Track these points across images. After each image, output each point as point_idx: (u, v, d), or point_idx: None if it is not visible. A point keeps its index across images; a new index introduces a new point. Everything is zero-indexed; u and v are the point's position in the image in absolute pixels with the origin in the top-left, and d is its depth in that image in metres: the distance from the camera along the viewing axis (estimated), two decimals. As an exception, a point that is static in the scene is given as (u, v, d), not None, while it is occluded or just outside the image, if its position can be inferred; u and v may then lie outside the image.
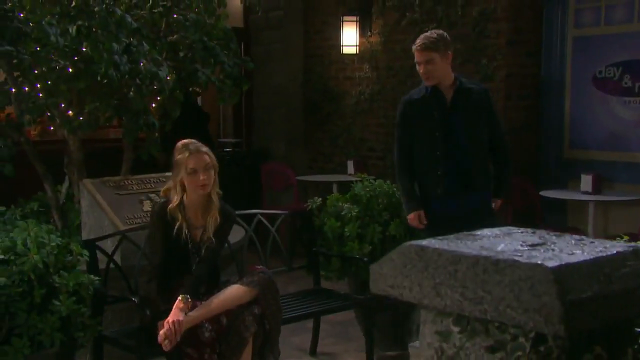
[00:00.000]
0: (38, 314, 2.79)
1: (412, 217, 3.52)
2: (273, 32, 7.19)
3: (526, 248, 0.97)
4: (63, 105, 4.36)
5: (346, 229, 3.94)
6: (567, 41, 5.35)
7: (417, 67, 3.44)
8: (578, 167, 5.24)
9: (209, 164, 3.07)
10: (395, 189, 4.05)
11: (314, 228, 4.02)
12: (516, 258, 0.91)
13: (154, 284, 3.03)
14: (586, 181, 4.90)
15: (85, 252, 3.04)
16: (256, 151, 7.30)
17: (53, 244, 2.83)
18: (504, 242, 1.01)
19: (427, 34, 3.46)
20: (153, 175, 4.28)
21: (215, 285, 3.15)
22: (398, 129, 3.58)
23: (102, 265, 3.32)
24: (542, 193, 5.12)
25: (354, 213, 3.98)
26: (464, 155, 3.43)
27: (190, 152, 3.06)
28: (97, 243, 3.32)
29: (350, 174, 6.27)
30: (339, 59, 6.74)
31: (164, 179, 4.25)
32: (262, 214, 3.94)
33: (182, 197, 3.07)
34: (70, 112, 4.23)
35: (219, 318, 2.97)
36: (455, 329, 0.99)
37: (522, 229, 1.13)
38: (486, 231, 1.09)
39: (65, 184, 4.76)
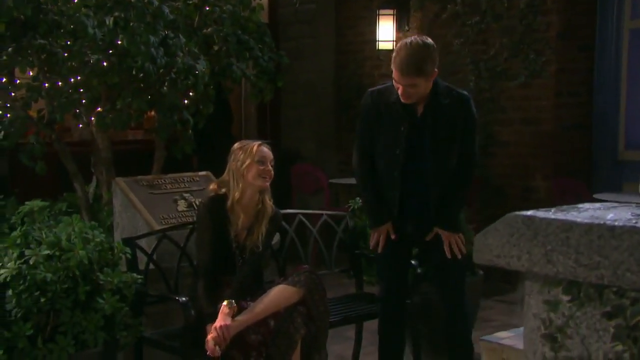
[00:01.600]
0: (82, 311, 2.94)
1: (381, 230, 3.32)
2: (303, 27, 7.33)
3: (636, 217, 1.07)
4: (92, 102, 4.50)
5: (390, 231, 4.02)
6: (623, 34, 5.43)
7: (394, 82, 3.15)
8: (634, 169, 5.29)
9: (272, 160, 3.25)
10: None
11: (355, 230, 4.12)
12: (632, 224, 1.01)
13: (201, 283, 3.14)
14: (643, 184, 4.96)
15: (128, 249, 3.17)
16: (284, 152, 7.43)
17: (97, 239, 2.97)
18: (612, 212, 1.11)
19: (412, 49, 3.07)
20: (187, 174, 4.42)
21: (259, 286, 3.26)
22: (361, 123, 3.33)
23: (139, 266, 3.44)
24: (595, 196, 5.19)
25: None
26: (424, 182, 3.25)
27: (259, 143, 3.25)
28: (136, 242, 3.44)
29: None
30: (373, 55, 6.86)
31: (197, 179, 4.40)
32: (303, 214, 4.05)
33: (240, 193, 3.17)
34: (99, 108, 4.38)
35: (266, 320, 3.09)
36: (565, 298, 1.09)
37: (623, 203, 1.23)
38: (587, 205, 1.19)
39: (93, 185, 4.92)
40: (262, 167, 3.21)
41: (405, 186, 3.26)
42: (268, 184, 3.24)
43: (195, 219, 3.46)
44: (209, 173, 4.42)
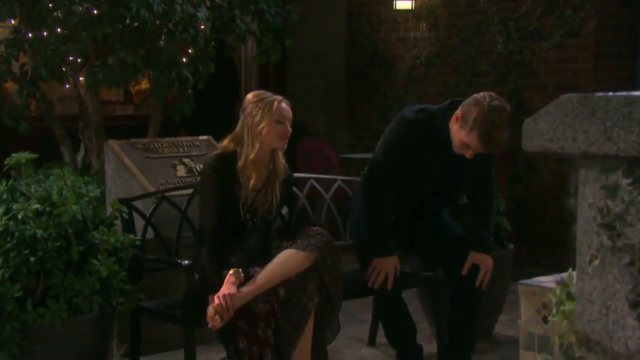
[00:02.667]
0: (75, 274, 2.98)
1: (389, 263, 3.38)
2: (311, -13, 7.35)
3: None
4: (80, 60, 4.54)
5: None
6: (670, -14, 5.43)
7: (461, 141, 3.20)
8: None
9: (291, 119, 3.26)
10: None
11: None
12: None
13: (205, 250, 3.15)
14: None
15: (124, 208, 3.20)
16: (291, 127, 7.44)
17: (92, 194, 3.00)
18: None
19: (507, 124, 3.15)
20: (186, 138, 4.48)
21: (267, 254, 3.28)
22: (394, 149, 3.35)
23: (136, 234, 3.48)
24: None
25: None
26: (430, 217, 3.54)
27: (279, 99, 3.23)
28: (132, 203, 3.48)
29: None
30: (390, 18, 6.89)
31: (198, 143, 4.44)
32: (315, 179, 4.08)
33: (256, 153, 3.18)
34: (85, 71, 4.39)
35: (275, 289, 3.10)
36: (625, 182, 1.12)
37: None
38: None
39: (81, 153, 4.96)
40: (281, 127, 3.21)
41: (404, 218, 3.49)
42: (286, 145, 3.26)
43: (198, 180, 3.46)
44: (211, 138, 4.46)
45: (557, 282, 1.25)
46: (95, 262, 3.02)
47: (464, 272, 3.43)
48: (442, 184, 3.44)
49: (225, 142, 3.26)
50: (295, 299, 3.09)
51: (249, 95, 3.30)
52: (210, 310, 2.98)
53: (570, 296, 1.22)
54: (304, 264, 3.12)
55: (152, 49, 4.32)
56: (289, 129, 3.24)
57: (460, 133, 3.19)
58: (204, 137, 4.49)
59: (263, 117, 3.18)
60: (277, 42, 5.05)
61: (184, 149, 4.36)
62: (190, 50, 4.70)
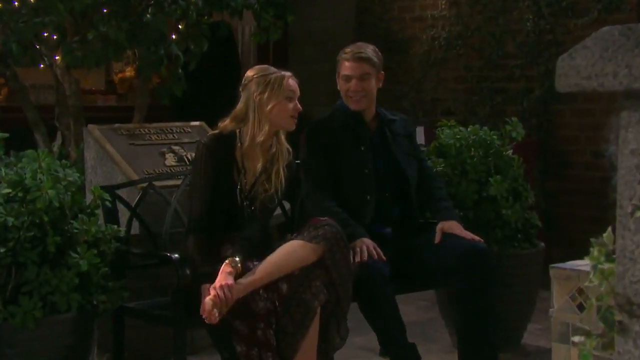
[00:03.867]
0: (51, 268, 2.98)
1: (368, 243, 3.51)
2: (316, -39, 7.37)
3: None
4: (56, 36, 4.55)
5: (430, 189, 4.08)
6: None
7: (344, 83, 3.67)
8: None
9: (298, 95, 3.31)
10: (494, 136, 4.17)
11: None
12: None
13: (192, 238, 3.18)
14: None
15: (107, 195, 3.21)
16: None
17: (71, 179, 3.01)
18: None
19: (359, 44, 3.77)
20: (176, 123, 4.49)
21: (268, 246, 3.28)
22: (314, 162, 3.67)
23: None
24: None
25: (440, 168, 4.12)
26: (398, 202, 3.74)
27: (289, 75, 3.28)
28: (116, 192, 3.49)
29: (420, 144, 6.39)
30: (404, -6, 6.91)
31: (189, 129, 4.45)
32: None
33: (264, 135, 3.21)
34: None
35: (277, 284, 3.10)
36: (673, 123, 1.11)
37: None
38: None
39: (57, 142, 4.97)
40: (292, 105, 3.25)
41: (378, 211, 3.67)
42: (295, 124, 3.30)
43: (191, 163, 3.47)
44: (204, 124, 4.47)
45: (594, 242, 1.25)
46: (73, 255, 3.01)
47: (436, 241, 3.59)
48: (384, 174, 3.71)
49: (229, 120, 3.27)
50: (299, 296, 3.09)
51: (251, 71, 3.32)
52: (208, 302, 2.96)
53: (609, 257, 1.22)
54: (310, 256, 3.11)
55: (137, 23, 4.34)
56: (299, 106, 3.28)
57: (340, 82, 3.69)
58: (196, 123, 4.50)
59: (272, 96, 3.21)
60: (278, 18, 5.06)
61: (173, 136, 4.37)
62: (180, 26, 4.72)
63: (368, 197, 3.66)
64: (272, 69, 3.32)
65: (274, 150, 3.29)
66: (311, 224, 3.20)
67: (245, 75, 3.32)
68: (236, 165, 3.26)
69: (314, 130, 3.73)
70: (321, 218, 3.23)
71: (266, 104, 3.20)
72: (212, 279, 3.03)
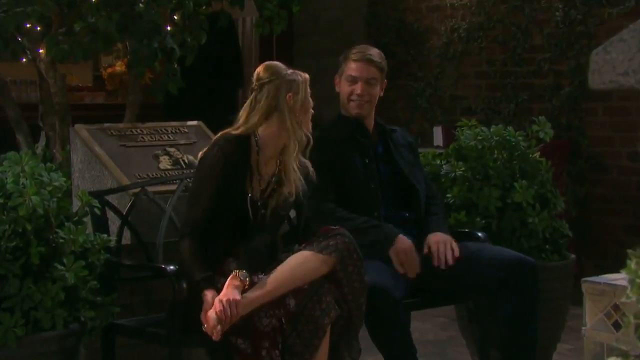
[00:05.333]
0: (35, 281, 2.98)
1: (408, 243, 3.59)
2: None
3: None
4: (40, 27, 4.57)
5: (449, 195, 4.10)
6: None
7: (347, 84, 3.76)
8: None
9: None
10: (519, 137, 4.17)
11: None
12: None
13: (186, 243, 3.17)
14: None
15: (96, 201, 3.22)
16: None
17: (56, 183, 3.01)
18: None
19: (366, 46, 3.88)
20: (172, 123, 4.49)
21: (274, 258, 3.29)
22: (317, 174, 3.67)
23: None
24: None
25: (459, 172, 4.11)
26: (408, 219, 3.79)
27: (307, 78, 3.33)
28: (105, 198, 3.50)
29: (437, 146, 6.41)
30: (421, -19, 6.93)
31: (186, 129, 4.46)
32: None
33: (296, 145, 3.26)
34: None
35: (283, 299, 3.10)
36: None
37: None
38: None
39: (41, 143, 4.99)
40: (310, 114, 3.35)
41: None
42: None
43: (197, 164, 3.44)
44: (201, 123, 4.48)
45: (632, 254, 1.25)
46: (59, 267, 3.01)
47: (425, 251, 3.62)
48: (390, 187, 3.77)
49: (256, 119, 3.25)
50: (307, 312, 3.09)
51: (272, 68, 3.29)
52: (212, 317, 2.97)
53: (649, 271, 1.21)
54: (321, 269, 3.13)
55: (129, 13, 4.35)
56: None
57: (343, 84, 3.79)
58: (193, 123, 4.50)
59: (306, 100, 3.28)
60: (283, 8, 5.08)
61: (168, 137, 4.37)
62: (176, 17, 4.73)
63: (375, 213, 3.70)
64: (299, 72, 3.33)
65: (286, 152, 3.30)
66: (321, 234, 3.21)
67: (264, 72, 3.28)
68: (250, 171, 3.27)
69: (317, 143, 3.71)
70: (332, 227, 3.24)
71: (299, 107, 3.25)
72: (209, 284, 3.06)
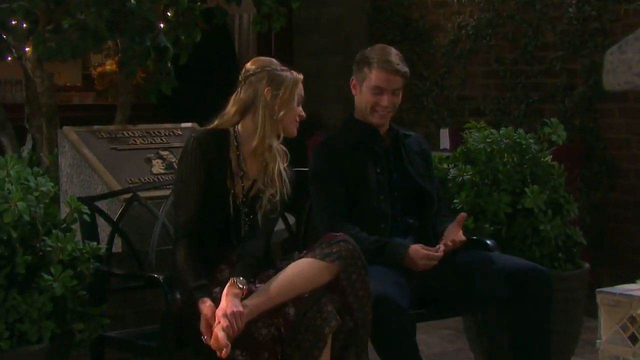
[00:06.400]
0: (20, 292, 2.98)
1: (423, 252, 3.61)
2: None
3: None
4: (26, 24, 4.57)
5: (456, 200, 4.10)
6: None
7: (371, 95, 3.71)
8: None
9: None
10: (531, 140, 4.17)
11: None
12: None
13: (181, 249, 3.17)
14: None
15: (85, 207, 3.23)
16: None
17: (44, 189, 3.01)
18: None
19: (387, 50, 3.80)
20: (165, 125, 4.51)
21: (268, 264, 3.31)
22: (325, 181, 3.75)
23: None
24: None
25: (467, 176, 4.11)
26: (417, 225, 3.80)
27: (301, 79, 3.34)
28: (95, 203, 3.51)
29: (444, 149, 6.41)
30: (426, -23, 6.95)
31: (179, 132, 4.47)
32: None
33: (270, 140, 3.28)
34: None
35: (283, 308, 3.10)
36: None
37: None
38: None
39: (27, 145, 4.99)
40: (298, 110, 3.34)
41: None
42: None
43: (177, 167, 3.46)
44: (196, 125, 4.49)
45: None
46: (46, 276, 3.01)
47: (442, 245, 3.62)
48: (401, 196, 3.77)
49: (232, 113, 3.29)
50: (307, 321, 3.09)
51: (258, 62, 3.34)
52: (221, 335, 2.94)
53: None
54: (324, 277, 3.13)
55: (120, 10, 4.35)
56: (303, 112, 3.36)
57: (366, 92, 3.72)
58: (188, 125, 4.52)
59: (288, 99, 3.28)
60: (282, 4, 5.08)
61: (161, 139, 4.39)
62: (169, 13, 4.74)
63: (382, 225, 3.70)
64: (276, 63, 3.35)
65: (272, 152, 3.31)
66: (324, 240, 3.22)
67: (252, 65, 3.34)
68: (230, 168, 3.28)
69: (327, 147, 3.79)
70: (335, 233, 3.25)
71: (278, 104, 3.26)
72: (205, 292, 3.06)
